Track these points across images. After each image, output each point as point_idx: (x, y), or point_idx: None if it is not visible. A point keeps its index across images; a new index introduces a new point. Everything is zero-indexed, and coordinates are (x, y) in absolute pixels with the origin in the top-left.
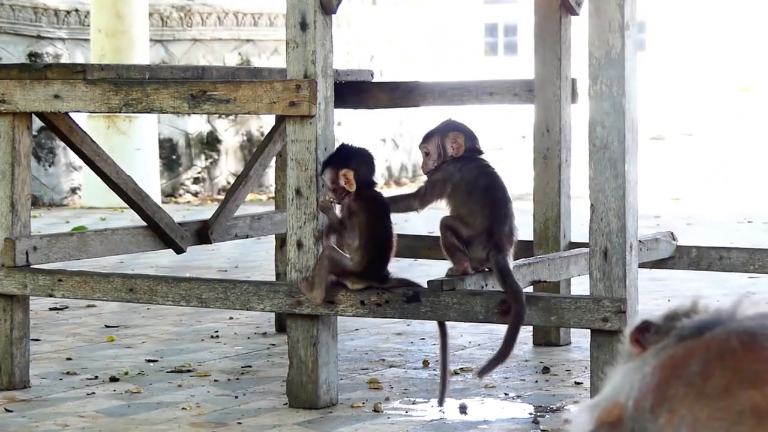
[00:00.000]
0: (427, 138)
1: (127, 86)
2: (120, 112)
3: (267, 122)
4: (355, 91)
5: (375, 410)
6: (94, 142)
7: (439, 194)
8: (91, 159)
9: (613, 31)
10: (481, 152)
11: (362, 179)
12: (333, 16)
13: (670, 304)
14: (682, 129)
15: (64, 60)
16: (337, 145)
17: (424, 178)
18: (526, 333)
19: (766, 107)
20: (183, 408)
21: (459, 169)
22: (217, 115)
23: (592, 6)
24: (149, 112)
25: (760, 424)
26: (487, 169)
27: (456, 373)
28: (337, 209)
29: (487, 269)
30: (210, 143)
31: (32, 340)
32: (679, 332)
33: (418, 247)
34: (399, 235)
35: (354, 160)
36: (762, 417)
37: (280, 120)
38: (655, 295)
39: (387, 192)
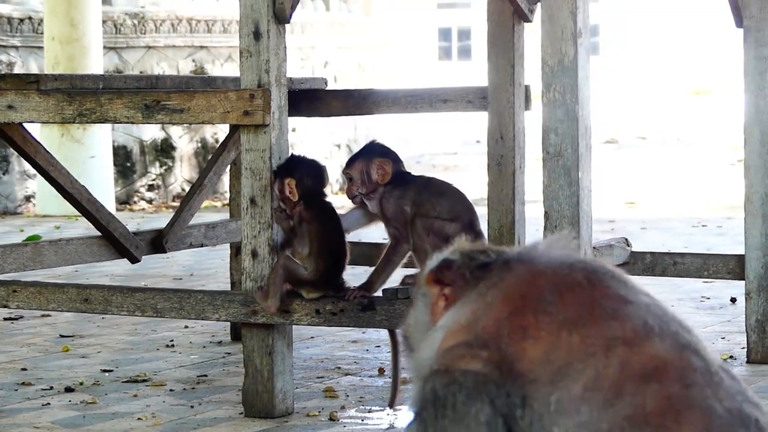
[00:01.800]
0: (351, 163)
1: (81, 96)
2: (74, 123)
3: (221, 129)
4: (309, 99)
5: (331, 419)
6: (47, 152)
7: (405, 222)
8: (45, 169)
9: (566, 39)
10: (408, 173)
11: (307, 189)
12: (286, 24)
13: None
14: (635, 132)
15: (17, 68)
16: (289, 154)
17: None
18: None
19: (720, 110)
20: (139, 418)
21: (403, 193)
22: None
23: (545, 14)
24: (103, 122)
25: (631, 349)
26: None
27: (411, 380)
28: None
29: None
30: (164, 150)
31: None
32: (501, 263)
33: (373, 254)
34: (353, 243)
35: (297, 169)
36: (631, 344)
37: (235, 128)
38: None
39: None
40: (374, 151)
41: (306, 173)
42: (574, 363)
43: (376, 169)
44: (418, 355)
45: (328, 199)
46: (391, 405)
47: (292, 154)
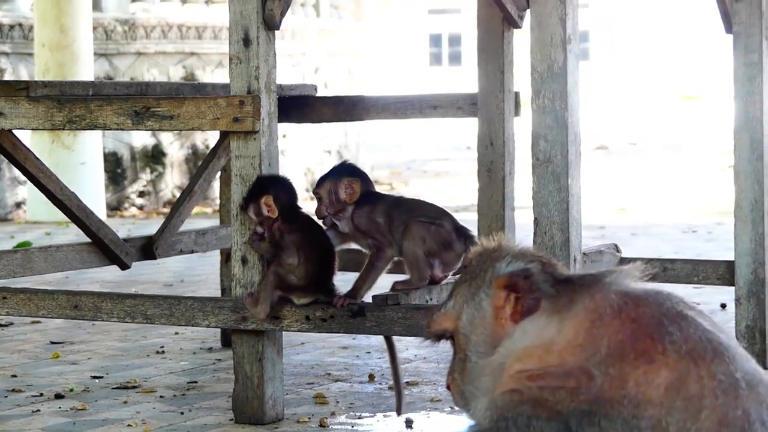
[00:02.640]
0: (320, 183)
1: (71, 103)
2: (63, 129)
3: (212, 135)
4: (299, 106)
5: (321, 425)
6: (37, 158)
7: (383, 231)
8: (35, 176)
9: (555, 45)
10: (377, 192)
11: (284, 203)
12: (276, 31)
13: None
14: (626, 138)
15: (7, 74)
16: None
17: None
18: None
19: (711, 116)
20: (129, 425)
21: (373, 208)
22: None
23: (534, 20)
24: (93, 129)
25: (749, 393)
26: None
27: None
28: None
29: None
30: (155, 157)
31: None
32: (583, 283)
33: (362, 261)
34: (345, 250)
35: (270, 186)
36: (746, 388)
37: (225, 135)
38: None
39: None
40: (343, 171)
41: (279, 188)
42: (708, 397)
43: (345, 188)
44: (477, 364)
45: (303, 210)
46: (399, 412)
47: (257, 176)
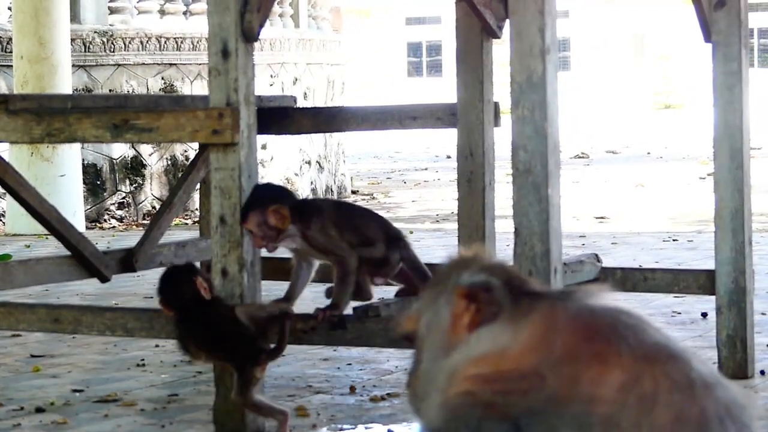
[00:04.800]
0: (245, 217)
1: (50, 116)
2: (42, 143)
3: (191, 146)
4: (278, 117)
5: None
6: (16, 172)
7: (338, 240)
8: (14, 188)
9: (534, 55)
10: (310, 200)
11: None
12: (254, 42)
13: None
14: (606, 146)
15: None
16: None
17: (350, 200)
18: None
19: (691, 124)
20: None
21: (323, 220)
22: None
23: (513, 30)
24: (72, 142)
25: (705, 393)
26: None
27: (383, 398)
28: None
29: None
30: (134, 168)
31: None
32: (544, 298)
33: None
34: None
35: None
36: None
37: (204, 147)
38: None
39: None
40: (264, 200)
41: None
42: (662, 394)
43: (272, 217)
44: (428, 377)
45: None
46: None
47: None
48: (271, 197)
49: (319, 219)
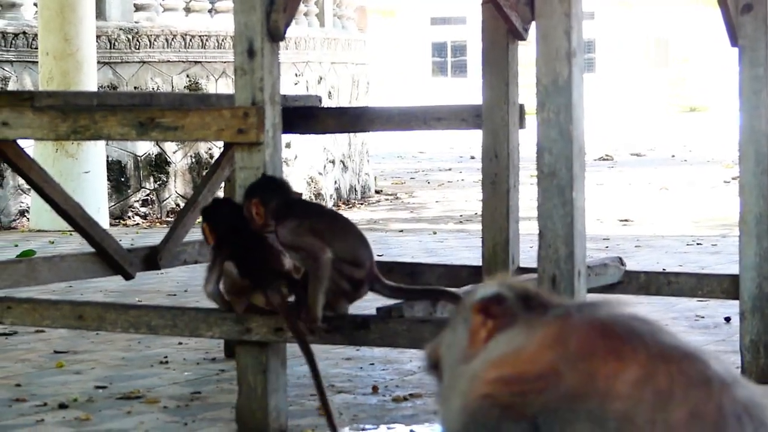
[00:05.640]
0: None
1: (75, 114)
2: (68, 140)
3: (216, 144)
4: (303, 117)
5: None
6: (41, 168)
7: (310, 240)
8: (39, 185)
9: (560, 58)
10: (299, 204)
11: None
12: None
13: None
14: (631, 149)
15: (11, 83)
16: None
17: (374, 200)
18: None
19: (716, 127)
20: None
21: (299, 223)
22: None
23: (539, 33)
24: (97, 139)
25: (721, 390)
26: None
27: (405, 398)
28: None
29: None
30: (158, 165)
31: None
32: (559, 309)
33: None
34: None
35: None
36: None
37: (229, 146)
38: None
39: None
40: (253, 191)
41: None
42: (678, 390)
43: (251, 209)
44: (450, 381)
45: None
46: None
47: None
48: (259, 190)
49: (296, 220)
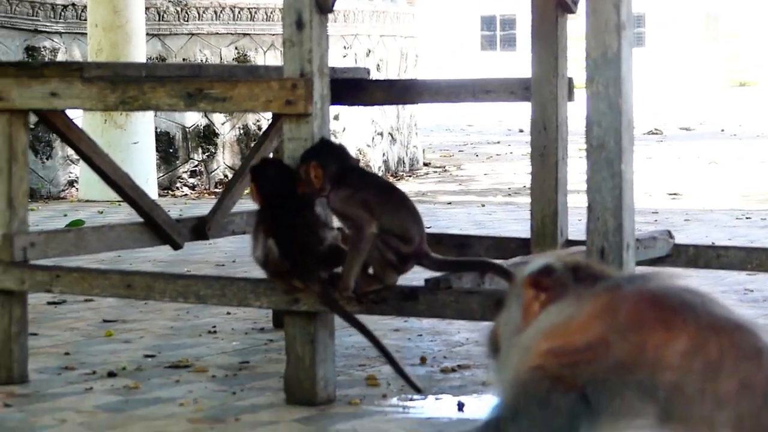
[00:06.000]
0: (299, 164)
1: (124, 84)
2: (116, 110)
3: (264, 116)
4: (351, 88)
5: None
6: (90, 139)
7: (359, 211)
8: (88, 155)
9: (609, 31)
10: (357, 173)
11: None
12: (329, 14)
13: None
14: (680, 123)
15: (60, 54)
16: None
17: (422, 172)
18: None
19: (766, 102)
20: (181, 404)
21: (352, 193)
22: None
23: (589, 6)
24: (146, 110)
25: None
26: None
27: (453, 370)
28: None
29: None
30: (207, 137)
31: (30, 334)
32: (609, 280)
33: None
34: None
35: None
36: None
37: (277, 117)
38: None
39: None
40: (312, 154)
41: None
42: (728, 362)
43: (309, 171)
44: (505, 355)
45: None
46: (417, 389)
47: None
48: (319, 154)
49: (350, 190)
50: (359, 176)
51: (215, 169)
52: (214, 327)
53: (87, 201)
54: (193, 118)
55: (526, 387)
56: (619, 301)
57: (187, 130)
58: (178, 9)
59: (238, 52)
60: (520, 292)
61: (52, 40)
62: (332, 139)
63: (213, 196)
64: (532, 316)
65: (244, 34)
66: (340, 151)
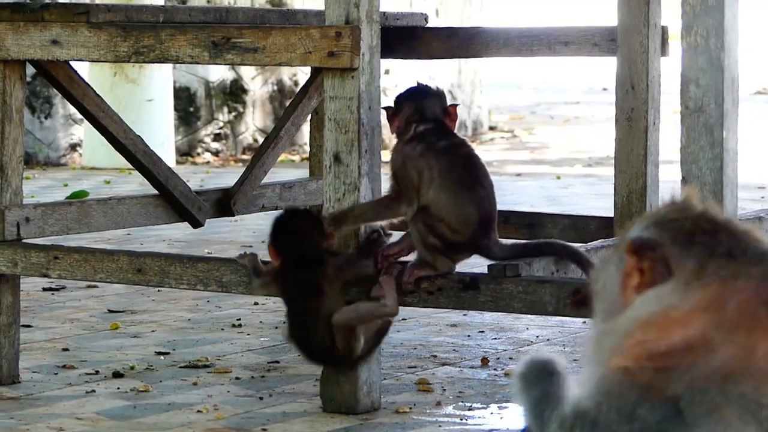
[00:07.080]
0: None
1: (138, 31)
2: (129, 62)
3: (302, 70)
4: (405, 39)
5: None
6: (98, 95)
7: (405, 182)
8: (93, 114)
9: None
10: (439, 133)
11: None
12: None
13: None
14: None
15: None
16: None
17: (487, 137)
18: None
19: None
20: (198, 410)
21: (416, 152)
22: None
23: None
24: (163, 62)
25: None
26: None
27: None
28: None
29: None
30: (234, 94)
31: (23, 326)
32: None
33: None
34: None
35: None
36: None
37: (317, 72)
38: None
39: None
40: (402, 99)
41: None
42: None
43: (388, 117)
44: (595, 339)
45: None
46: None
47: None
48: (406, 102)
49: (414, 152)
50: (438, 138)
51: (243, 132)
52: (239, 320)
53: (92, 168)
54: (218, 72)
55: (610, 395)
56: (730, 291)
57: (210, 85)
58: None
59: None
60: (624, 256)
61: None
62: (381, 97)
63: (240, 164)
64: (630, 291)
65: None
66: (432, 101)
